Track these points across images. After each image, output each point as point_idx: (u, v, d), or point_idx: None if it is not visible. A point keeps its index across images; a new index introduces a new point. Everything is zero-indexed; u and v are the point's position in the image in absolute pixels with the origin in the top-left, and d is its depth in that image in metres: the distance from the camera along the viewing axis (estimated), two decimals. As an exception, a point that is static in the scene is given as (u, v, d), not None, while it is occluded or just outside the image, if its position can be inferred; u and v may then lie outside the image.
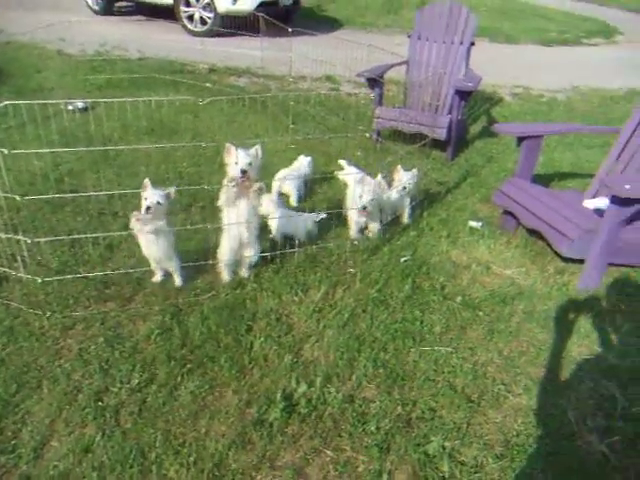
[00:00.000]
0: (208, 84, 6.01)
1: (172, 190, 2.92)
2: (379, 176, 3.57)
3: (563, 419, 2.40)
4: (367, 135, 5.08)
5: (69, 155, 4.55)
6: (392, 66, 5.06)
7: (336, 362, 2.64)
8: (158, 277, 3.12)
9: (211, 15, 9.15)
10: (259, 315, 2.91)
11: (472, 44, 5.14)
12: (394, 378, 2.57)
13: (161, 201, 2.88)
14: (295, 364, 2.62)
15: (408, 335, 2.83)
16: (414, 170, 3.79)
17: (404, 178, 3.73)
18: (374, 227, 3.62)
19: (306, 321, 2.91)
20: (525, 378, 2.62)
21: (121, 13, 10.95)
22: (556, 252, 3.38)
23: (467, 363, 2.68)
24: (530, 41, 11.11)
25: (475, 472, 2.16)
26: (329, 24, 11.00)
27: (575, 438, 2.32)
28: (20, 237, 2.83)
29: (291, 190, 4.06)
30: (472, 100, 6.75)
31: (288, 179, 4.01)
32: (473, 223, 3.88)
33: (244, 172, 2.93)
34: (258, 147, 3.00)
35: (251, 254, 3.15)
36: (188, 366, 2.57)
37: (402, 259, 3.44)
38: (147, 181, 2.89)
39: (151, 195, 2.86)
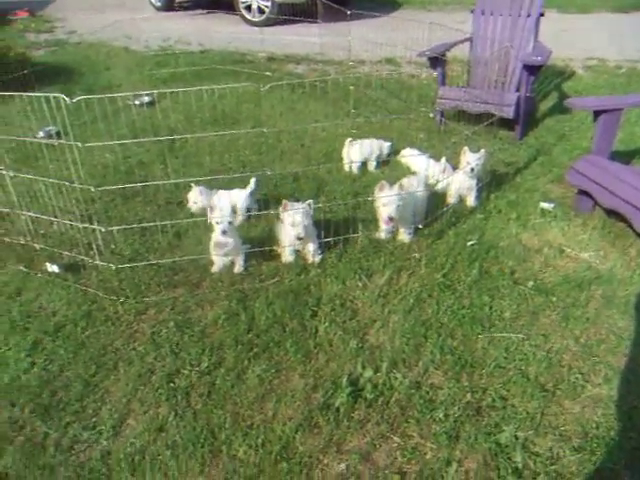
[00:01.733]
0: (268, 72, 6.05)
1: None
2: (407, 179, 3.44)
3: (648, 412, 2.24)
4: (431, 115, 4.93)
5: (137, 147, 4.71)
6: (455, 44, 4.86)
7: (402, 348, 2.60)
8: (217, 267, 3.16)
9: (268, 4, 9.18)
10: (323, 300, 2.90)
11: (541, 15, 4.84)
12: (462, 365, 2.49)
13: (232, 220, 3.02)
14: (360, 349, 2.60)
15: (476, 321, 2.74)
16: (482, 151, 3.63)
17: (471, 160, 3.58)
18: (404, 233, 3.39)
19: (371, 306, 2.87)
20: (605, 367, 2.46)
21: (182, 8, 11.21)
22: (639, 234, 3.14)
23: (540, 350, 2.55)
24: (604, 9, 10.36)
25: (551, 464, 2.06)
26: (388, 5, 10.75)
27: (662, 432, 2.16)
28: (95, 226, 2.96)
29: None
30: (541, 76, 6.39)
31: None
32: (545, 204, 3.68)
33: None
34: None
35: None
36: (255, 350, 2.62)
37: (469, 243, 3.32)
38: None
39: (222, 218, 2.97)
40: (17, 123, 5.15)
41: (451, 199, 3.76)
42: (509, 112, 4.47)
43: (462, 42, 4.99)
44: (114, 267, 2.96)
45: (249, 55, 7.42)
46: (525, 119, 4.70)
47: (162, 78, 6.56)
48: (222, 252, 3.07)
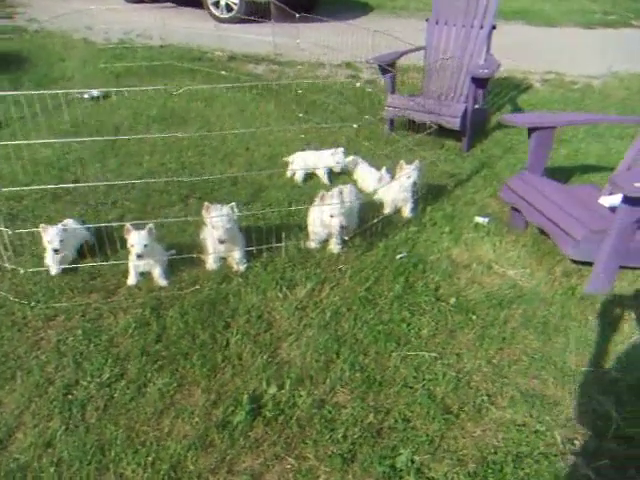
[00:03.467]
0: (224, 72, 5.94)
1: (151, 227, 2.92)
2: (346, 187, 3.39)
3: (549, 437, 2.22)
4: (372, 122, 4.90)
5: (78, 144, 4.57)
6: (405, 53, 4.84)
7: (312, 364, 2.54)
8: (132, 279, 3.04)
9: (237, 1, 9.05)
10: (240, 311, 2.83)
11: (493, 27, 4.85)
12: (371, 383, 2.44)
13: (148, 243, 2.89)
14: (269, 364, 2.53)
15: (392, 338, 2.69)
16: (416, 162, 3.61)
17: (406, 171, 3.55)
18: (334, 243, 3.33)
19: (288, 319, 2.81)
20: (513, 389, 2.44)
21: (151, 0, 10.98)
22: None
23: (451, 370, 2.52)
24: (571, 23, 10.49)
25: (443, 490, 2.02)
26: (357, 9, 10.72)
27: (559, 459, 2.14)
28: (2, 228, 2.83)
29: None
30: (498, 87, 6.43)
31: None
32: (479, 219, 3.67)
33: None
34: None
35: (236, 248, 3.09)
36: (160, 362, 2.53)
37: (398, 256, 3.28)
38: (129, 226, 2.89)
39: (138, 241, 2.87)
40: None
41: (386, 209, 3.73)
42: (455, 123, 4.46)
43: (414, 51, 4.96)
44: (22, 271, 2.84)
45: (210, 53, 7.29)
46: (472, 131, 4.69)
47: (116, 72, 6.39)
48: (144, 268, 3.01)
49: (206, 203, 3.01)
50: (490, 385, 2.46)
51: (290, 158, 4.25)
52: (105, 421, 2.25)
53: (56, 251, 2.92)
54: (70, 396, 2.36)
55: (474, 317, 2.85)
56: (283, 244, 3.20)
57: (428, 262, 3.27)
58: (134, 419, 2.27)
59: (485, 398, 2.39)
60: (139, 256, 2.88)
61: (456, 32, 4.94)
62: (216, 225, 2.98)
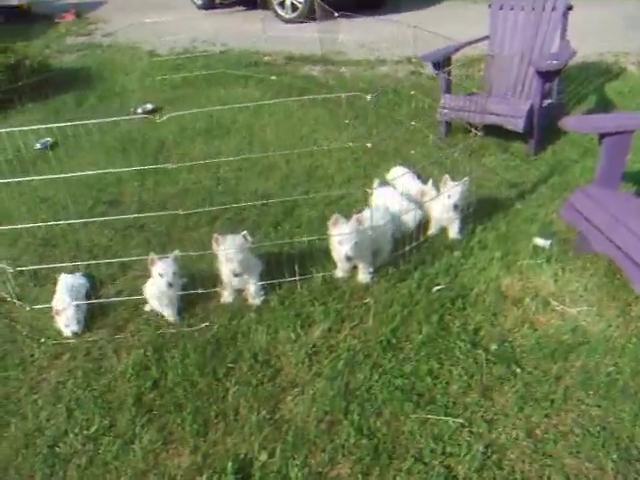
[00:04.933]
0: (274, 77, 5.69)
1: (177, 254, 2.77)
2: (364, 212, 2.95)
3: None
4: (422, 128, 4.40)
5: (122, 161, 4.56)
6: (462, 46, 4.28)
7: (314, 424, 2.20)
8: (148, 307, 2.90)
9: (302, 0, 8.80)
10: (245, 355, 2.56)
11: (569, 9, 4.15)
12: (378, 454, 2.06)
13: (176, 270, 2.73)
14: (266, 422, 2.24)
15: (412, 395, 2.28)
16: (464, 180, 3.12)
17: (451, 191, 3.09)
18: (363, 272, 2.96)
19: (296, 366, 2.49)
20: (556, 473, 1.94)
21: (223, 5, 11.05)
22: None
23: (479, 442, 2.07)
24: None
25: None
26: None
27: None
28: (4, 265, 2.77)
29: None
30: (583, 73, 5.59)
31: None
32: (540, 241, 3.09)
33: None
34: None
35: (251, 279, 2.83)
36: (151, 414, 2.32)
37: (435, 288, 2.84)
38: (153, 256, 2.71)
39: (166, 270, 2.69)
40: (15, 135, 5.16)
41: (430, 230, 3.27)
42: (517, 125, 3.86)
43: (476, 42, 4.38)
44: (28, 308, 2.77)
45: (268, 56, 7.11)
46: (542, 131, 4.04)
47: (173, 83, 6.40)
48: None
49: (215, 235, 2.76)
50: (527, 466, 1.98)
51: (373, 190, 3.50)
52: (84, 482, 2.08)
53: (77, 307, 2.82)
54: (57, 449, 2.22)
55: (518, 370, 2.35)
56: (297, 277, 2.87)
57: (470, 296, 2.79)
58: (113, 481, 2.08)
59: (519, 484, 1.92)
60: (170, 285, 2.69)
61: (524, 17, 4.29)
62: (229, 258, 2.73)
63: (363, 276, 2.95)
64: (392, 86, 5.35)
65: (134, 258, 3.12)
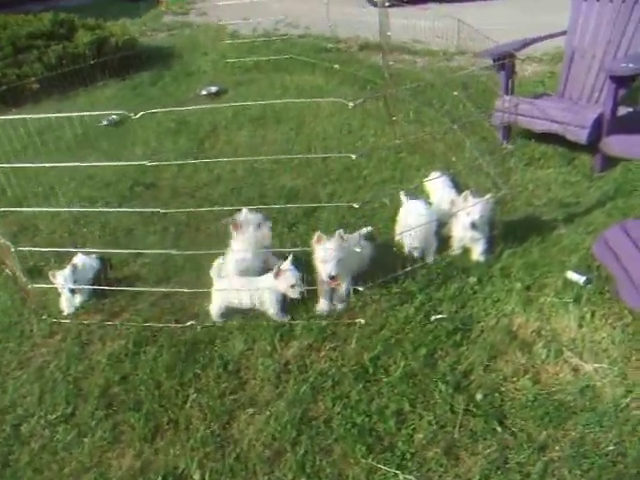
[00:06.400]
0: (336, 66, 5.46)
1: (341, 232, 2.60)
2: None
3: None
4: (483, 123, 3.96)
5: (172, 144, 4.65)
6: (532, 42, 3.77)
7: (259, 450, 2.07)
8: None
9: (392, -18, 8.40)
10: (216, 362, 2.47)
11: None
12: (313, 499, 1.88)
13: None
14: (213, 439, 2.14)
15: (371, 437, 2.06)
16: (487, 197, 2.77)
17: (472, 208, 2.75)
18: (341, 291, 2.70)
19: (263, 381, 2.36)
20: None
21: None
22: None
23: (426, 508, 1.81)
24: None
25: None
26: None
27: None
28: (7, 242, 2.87)
29: None
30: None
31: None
32: (574, 275, 2.66)
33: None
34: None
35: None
36: (111, 409, 2.32)
37: (433, 317, 2.55)
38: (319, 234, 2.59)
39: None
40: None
41: (453, 248, 2.95)
42: (581, 136, 3.34)
43: (549, 38, 3.86)
44: (29, 286, 2.87)
45: (343, 42, 6.87)
46: (613, 144, 3.47)
47: (245, 66, 6.41)
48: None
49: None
50: None
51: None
52: (32, 467, 2.13)
53: (72, 291, 2.90)
54: (20, 429, 2.30)
55: (499, 429, 2.03)
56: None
57: (473, 331, 2.47)
58: (56, 472, 2.10)
59: None
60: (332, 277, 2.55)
61: (612, 10, 3.68)
62: (325, 259, 2.55)
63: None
64: (462, 79, 4.89)
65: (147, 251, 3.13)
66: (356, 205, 2.75)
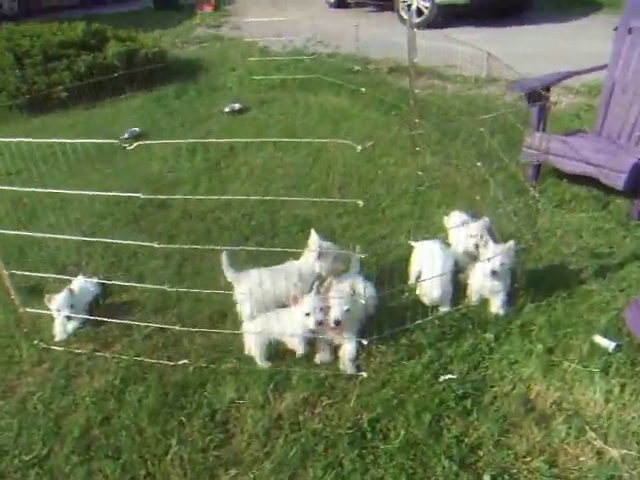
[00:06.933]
0: (363, 89, 5.30)
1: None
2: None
3: None
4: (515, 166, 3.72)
5: (185, 162, 4.56)
6: (567, 77, 3.55)
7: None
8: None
9: (428, 4, 8.25)
10: (204, 410, 2.29)
11: None
12: None
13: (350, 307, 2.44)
14: (188, 502, 1.96)
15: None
16: (509, 244, 2.54)
17: (493, 255, 2.53)
18: (349, 348, 2.49)
19: (251, 437, 2.17)
20: None
21: (356, 5, 10.81)
22: None
23: None
24: None
25: None
26: (586, 5, 8.85)
27: None
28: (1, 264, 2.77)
29: None
30: None
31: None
32: (603, 340, 2.41)
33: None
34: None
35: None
36: (88, 455, 2.17)
37: (442, 377, 2.33)
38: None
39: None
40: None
41: (471, 299, 2.73)
42: (618, 181, 3.09)
43: (588, 72, 3.62)
44: (21, 309, 2.76)
45: (373, 63, 6.72)
46: (654, 191, 3.21)
47: (271, 84, 6.32)
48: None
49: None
50: None
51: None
52: (-3, 514, 1.99)
53: (67, 317, 2.79)
54: (-7, 467, 2.16)
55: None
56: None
57: (484, 395, 2.24)
58: (22, 522, 1.95)
59: None
60: (319, 324, 2.38)
61: (659, 45, 3.44)
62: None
63: (346, 356, 2.49)
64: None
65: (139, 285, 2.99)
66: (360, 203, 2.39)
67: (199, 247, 2.67)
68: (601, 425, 2.09)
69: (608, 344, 2.38)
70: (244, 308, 2.61)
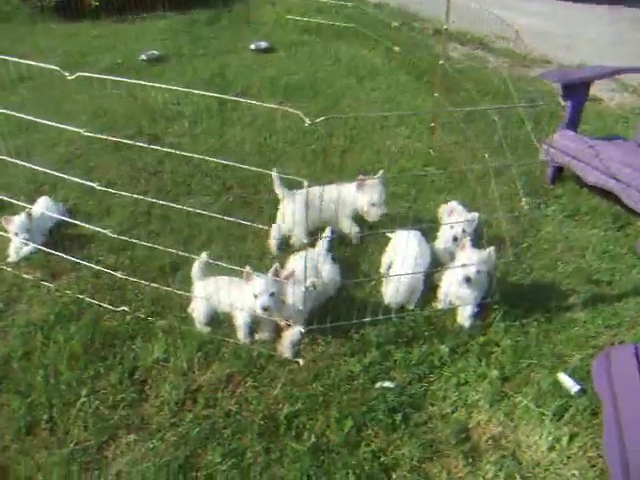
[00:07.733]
0: (397, 48, 4.86)
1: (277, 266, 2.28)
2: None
3: None
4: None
5: (196, 96, 4.33)
6: (621, 72, 3.11)
7: (119, 490, 1.79)
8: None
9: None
10: (126, 364, 2.19)
11: None
12: None
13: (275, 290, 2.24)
14: (81, 457, 1.88)
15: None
16: (489, 250, 2.29)
17: (470, 261, 2.28)
18: (294, 331, 2.30)
19: (162, 404, 2.07)
20: None
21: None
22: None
23: None
24: None
25: None
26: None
27: None
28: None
29: None
30: None
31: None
32: (567, 380, 2.16)
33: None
34: None
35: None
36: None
37: (378, 384, 2.14)
38: (249, 270, 2.24)
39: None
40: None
41: (439, 303, 2.50)
42: (638, 202, 2.73)
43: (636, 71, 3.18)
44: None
45: (420, 21, 6.21)
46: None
47: (306, 26, 5.93)
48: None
49: (247, 268, 2.24)
50: None
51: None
52: None
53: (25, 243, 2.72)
54: None
55: None
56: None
57: (419, 413, 2.05)
58: None
59: None
60: (265, 309, 2.20)
61: None
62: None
63: (285, 344, 2.29)
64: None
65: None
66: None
67: (163, 202, 2.46)
68: (535, 475, 1.88)
69: (572, 385, 2.14)
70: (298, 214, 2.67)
